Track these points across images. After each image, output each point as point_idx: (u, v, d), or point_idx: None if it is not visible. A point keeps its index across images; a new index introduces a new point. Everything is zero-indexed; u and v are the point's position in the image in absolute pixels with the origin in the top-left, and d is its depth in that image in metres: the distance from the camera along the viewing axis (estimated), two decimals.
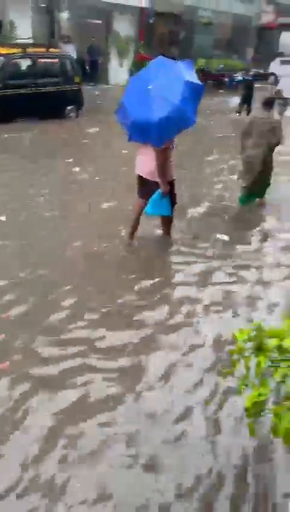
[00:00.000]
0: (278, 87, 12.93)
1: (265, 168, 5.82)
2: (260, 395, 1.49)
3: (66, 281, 3.94)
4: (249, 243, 5.08)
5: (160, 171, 4.21)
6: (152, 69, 4.16)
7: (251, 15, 26.36)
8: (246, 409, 1.58)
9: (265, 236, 5.27)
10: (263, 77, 23.60)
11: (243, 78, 14.76)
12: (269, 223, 5.70)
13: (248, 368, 1.65)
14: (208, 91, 20.04)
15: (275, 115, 5.80)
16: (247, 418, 1.62)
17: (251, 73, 15.19)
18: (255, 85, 13.57)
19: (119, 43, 18.59)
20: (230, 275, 4.31)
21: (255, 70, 17.17)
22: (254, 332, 1.64)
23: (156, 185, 4.32)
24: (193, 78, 4.02)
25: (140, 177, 4.53)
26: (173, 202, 4.53)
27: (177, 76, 3.91)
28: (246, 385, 1.64)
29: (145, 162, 4.34)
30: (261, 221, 5.77)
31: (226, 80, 20.87)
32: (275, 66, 26.57)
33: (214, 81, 20.71)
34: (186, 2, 20.94)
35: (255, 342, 1.62)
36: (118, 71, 18.85)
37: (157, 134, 3.94)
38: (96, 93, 15.29)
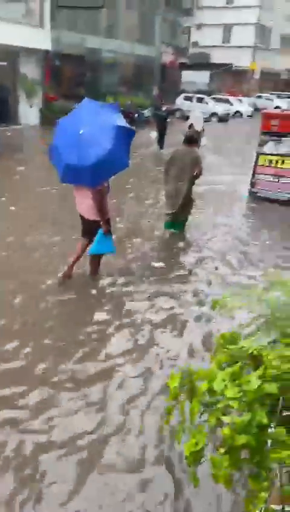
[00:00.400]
0: (189, 121, 14.03)
1: (186, 200, 6.20)
2: (196, 443, 1.48)
3: None
4: (179, 268, 5.36)
5: (99, 210, 4.33)
6: (82, 112, 4.29)
7: (153, 55, 28.02)
8: (186, 458, 1.56)
9: (190, 266, 5.51)
10: (172, 113, 25.15)
11: (157, 114, 15.66)
12: (191, 255, 5.95)
13: (183, 414, 1.64)
14: None
15: (195, 148, 6.35)
16: (188, 466, 1.59)
17: (164, 108, 16.17)
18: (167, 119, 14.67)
19: (27, 84, 18.66)
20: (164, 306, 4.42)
21: (167, 106, 18.34)
22: (185, 376, 1.65)
23: (93, 224, 4.45)
24: (123, 122, 4.23)
25: (81, 216, 4.62)
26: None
27: (108, 122, 4.08)
28: (184, 431, 1.62)
29: (80, 202, 4.47)
30: (184, 252, 6.02)
31: (136, 115, 21.78)
32: (180, 102, 28.43)
33: (124, 118, 21.53)
34: (89, 44, 21.76)
35: (187, 387, 1.63)
36: (27, 111, 18.83)
37: (91, 177, 4.07)
38: (8, 133, 15.09)
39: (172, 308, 4.41)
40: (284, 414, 1.55)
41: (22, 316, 4.05)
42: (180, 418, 1.64)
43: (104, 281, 4.86)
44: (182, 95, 29.02)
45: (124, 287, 4.75)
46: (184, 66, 35.03)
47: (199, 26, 37.94)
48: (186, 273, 5.31)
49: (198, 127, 13.07)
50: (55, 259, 5.20)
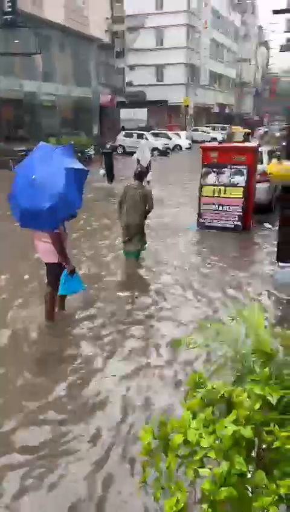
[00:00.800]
0: (135, 156, 14.51)
1: (139, 232, 6.60)
2: (177, 501, 1.41)
3: None
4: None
5: (59, 252, 4.38)
6: (35, 157, 4.33)
7: (90, 96, 28.80)
8: None
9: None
10: (115, 149, 25.79)
11: (104, 151, 16.15)
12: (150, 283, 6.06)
13: (159, 470, 1.56)
14: None
15: (145, 183, 6.69)
16: None
17: (108, 146, 16.65)
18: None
19: None
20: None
21: (111, 144, 18.87)
22: (157, 429, 1.59)
23: (52, 266, 4.52)
24: (74, 163, 4.30)
25: (44, 262, 4.66)
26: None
27: (60, 165, 4.14)
28: (162, 488, 1.54)
29: (37, 245, 4.53)
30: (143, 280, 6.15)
31: (79, 155, 22.08)
32: (121, 139, 29.23)
33: None
34: (26, 88, 22.06)
35: (160, 441, 1.57)
36: None
37: (48, 221, 4.14)
38: None
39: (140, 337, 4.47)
40: (261, 456, 1.53)
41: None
42: (157, 474, 1.57)
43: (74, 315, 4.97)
44: (123, 132, 29.87)
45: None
46: (122, 105, 36.29)
47: (132, 67, 39.73)
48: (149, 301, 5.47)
49: (144, 162, 13.47)
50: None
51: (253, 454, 1.58)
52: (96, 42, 28.35)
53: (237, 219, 8.87)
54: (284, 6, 17.93)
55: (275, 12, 17.63)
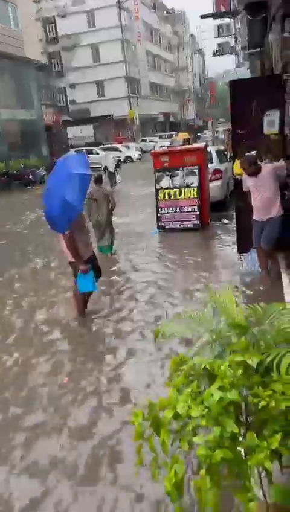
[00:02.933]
0: (103, 165, 16.40)
1: (108, 228, 7.65)
2: (176, 473, 1.43)
3: None
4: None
5: (71, 252, 4.70)
6: (55, 168, 4.84)
7: (35, 118, 28.65)
8: (168, 493, 1.50)
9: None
10: None
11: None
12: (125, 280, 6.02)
13: (154, 449, 1.58)
14: (18, 190, 20.71)
15: (108, 186, 7.13)
16: (172, 503, 1.52)
17: None
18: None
19: None
20: None
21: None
22: (146, 411, 1.61)
23: (73, 264, 4.86)
24: (79, 169, 4.65)
25: None
26: (97, 276, 5.05)
27: (65, 172, 4.61)
28: (159, 467, 1.56)
29: (61, 246, 4.91)
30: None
31: (31, 177, 21.89)
32: None
33: (19, 180, 21.51)
34: None
35: (151, 420, 1.59)
36: None
37: (59, 224, 4.61)
38: None
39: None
40: (250, 419, 1.58)
41: None
42: (153, 455, 1.58)
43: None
44: (72, 150, 29.89)
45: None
46: (68, 123, 36.36)
47: (73, 85, 39.96)
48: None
49: (111, 168, 15.37)
50: None
51: (242, 419, 1.63)
52: (34, 64, 28.34)
53: (195, 218, 9.06)
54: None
55: (203, 17, 18.29)
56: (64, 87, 37.93)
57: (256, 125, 6.14)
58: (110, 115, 39.68)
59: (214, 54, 28.66)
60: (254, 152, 5.83)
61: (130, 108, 41.63)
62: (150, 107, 47.05)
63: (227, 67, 50.47)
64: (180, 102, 60.86)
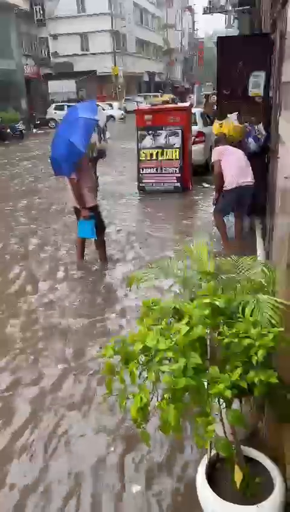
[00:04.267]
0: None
1: None
2: (141, 399, 1.53)
3: None
4: None
5: (75, 197, 4.87)
6: (66, 115, 5.15)
7: (14, 68, 27.35)
8: (134, 420, 1.60)
9: None
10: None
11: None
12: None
13: (123, 382, 1.67)
14: None
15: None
16: (137, 428, 1.63)
17: None
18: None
19: None
20: None
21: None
22: (117, 345, 1.69)
23: (77, 210, 5.01)
24: (87, 113, 4.80)
25: None
26: (100, 227, 5.12)
27: (73, 117, 4.79)
28: (127, 398, 1.66)
29: (67, 192, 5.10)
30: None
31: (8, 131, 21.13)
32: (52, 112, 28.29)
33: None
34: None
35: (121, 354, 1.67)
36: None
37: (64, 167, 4.75)
38: None
39: None
40: (215, 355, 1.68)
41: None
42: (121, 386, 1.68)
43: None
44: (53, 105, 28.88)
45: None
46: (49, 77, 34.88)
47: (55, 36, 38.04)
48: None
49: (101, 123, 14.52)
50: None
51: (207, 357, 1.73)
52: (13, 9, 26.73)
53: (175, 180, 9.05)
54: None
55: None
56: (47, 38, 36.10)
57: (241, 86, 6.08)
58: (94, 71, 38.17)
59: (205, 12, 27.62)
60: (236, 113, 5.80)
61: (114, 64, 40.10)
62: (135, 65, 45.46)
63: (217, 28, 48.93)
64: (167, 62, 58.96)
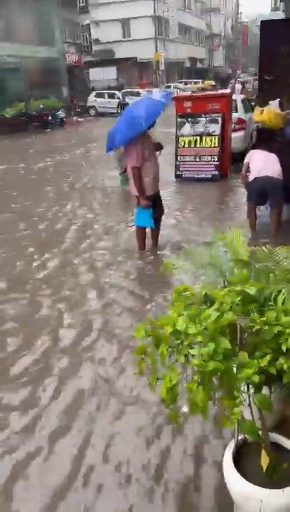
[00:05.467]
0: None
1: None
2: (170, 380, 1.58)
3: None
4: None
5: (135, 185, 4.86)
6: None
7: (57, 56, 27.65)
8: (163, 400, 1.66)
9: None
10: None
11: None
12: None
13: (154, 363, 1.73)
14: (36, 132, 20.20)
15: None
16: (166, 408, 1.69)
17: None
18: None
19: None
20: None
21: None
22: (148, 327, 1.74)
23: (136, 199, 5.00)
24: (157, 96, 5.22)
25: None
26: (158, 215, 5.14)
27: (146, 99, 5.28)
28: (158, 379, 1.72)
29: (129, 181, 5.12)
30: None
31: (50, 118, 21.44)
32: (92, 100, 28.45)
33: (38, 122, 21.07)
34: None
35: (152, 336, 1.72)
36: None
37: (117, 138, 4.83)
38: None
39: None
40: (245, 341, 1.70)
41: None
42: (152, 367, 1.74)
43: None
44: (93, 93, 29.04)
45: None
46: (90, 64, 35.02)
47: (97, 23, 38.06)
48: None
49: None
50: None
51: (237, 342, 1.76)
52: None
53: (213, 168, 8.95)
54: None
55: None
56: (89, 25, 36.17)
57: (285, 72, 5.90)
58: (134, 58, 37.95)
59: None
60: (277, 100, 5.66)
61: (156, 51, 39.67)
62: (177, 51, 44.79)
63: (262, 12, 47.24)
64: (209, 48, 57.66)
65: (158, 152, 5.19)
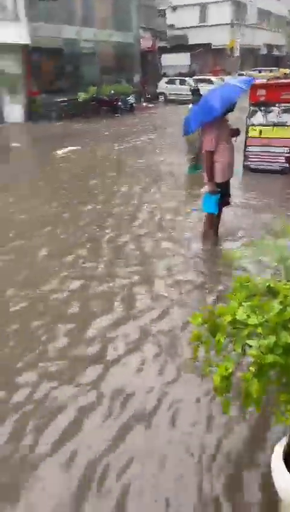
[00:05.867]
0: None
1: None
2: (225, 369, 1.56)
3: None
4: None
5: (206, 171, 4.87)
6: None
7: (131, 41, 27.69)
8: (215, 388, 1.64)
9: None
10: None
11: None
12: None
13: (208, 351, 1.72)
14: (106, 117, 20.44)
15: None
16: (219, 397, 1.67)
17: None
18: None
19: (7, 81, 18.52)
20: None
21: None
22: (206, 315, 1.72)
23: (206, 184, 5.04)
24: (237, 82, 5.07)
25: None
26: (224, 202, 5.08)
27: (226, 84, 5.46)
28: (211, 366, 1.70)
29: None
30: None
31: (120, 104, 21.63)
32: (163, 86, 28.28)
33: (108, 107, 21.33)
34: (65, 35, 21.44)
35: (209, 324, 1.70)
36: (12, 108, 18.71)
37: (191, 123, 5.00)
38: None
39: None
40: None
41: None
42: (206, 355, 1.72)
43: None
44: (164, 79, 28.83)
45: None
46: (163, 50, 34.71)
47: (174, 8, 37.49)
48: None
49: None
50: None
51: None
52: None
53: (284, 161, 8.59)
54: None
55: None
56: (165, 10, 35.74)
57: None
58: (209, 44, 37.07)
59: None
60: None
61: (232, 37, 38.43)
62: (253, 37, 43.11)
63: None
64: (288, 34, 54.83)
65: (234, 138, 5.00)
